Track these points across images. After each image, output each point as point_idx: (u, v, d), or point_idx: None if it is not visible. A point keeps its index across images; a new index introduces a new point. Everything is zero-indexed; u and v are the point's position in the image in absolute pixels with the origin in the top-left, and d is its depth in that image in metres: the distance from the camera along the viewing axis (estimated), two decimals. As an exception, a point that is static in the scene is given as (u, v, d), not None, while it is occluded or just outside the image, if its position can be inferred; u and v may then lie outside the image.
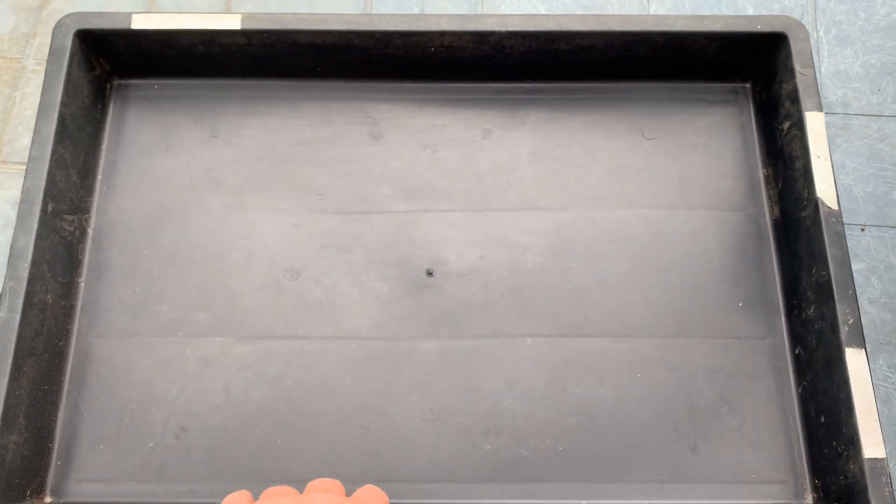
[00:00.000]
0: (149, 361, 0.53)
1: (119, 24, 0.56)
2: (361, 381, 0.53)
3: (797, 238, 0.53)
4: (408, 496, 0.50)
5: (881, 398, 0.53)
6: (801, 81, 0.55)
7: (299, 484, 0.49)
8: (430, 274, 0.55)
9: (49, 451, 0.51)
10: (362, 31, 0.56)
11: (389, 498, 0.49)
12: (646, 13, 0.64)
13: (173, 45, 0.57)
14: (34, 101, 0.61)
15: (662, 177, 0.58)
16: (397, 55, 0.58)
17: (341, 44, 0.57)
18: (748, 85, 0.60)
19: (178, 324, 0.54)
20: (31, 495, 0.49)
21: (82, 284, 0.55)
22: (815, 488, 0.50)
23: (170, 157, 0.58)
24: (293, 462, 0.51)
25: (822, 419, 0.50)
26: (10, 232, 0.57)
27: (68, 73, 0.54)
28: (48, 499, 0.50)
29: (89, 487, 0.50)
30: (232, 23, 0.56)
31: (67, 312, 0.53)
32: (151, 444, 0.51)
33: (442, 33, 0.56)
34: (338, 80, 0.60)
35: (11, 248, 0.50)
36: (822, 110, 0.54)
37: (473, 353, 0.53)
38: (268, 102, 0.60)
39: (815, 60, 0.62)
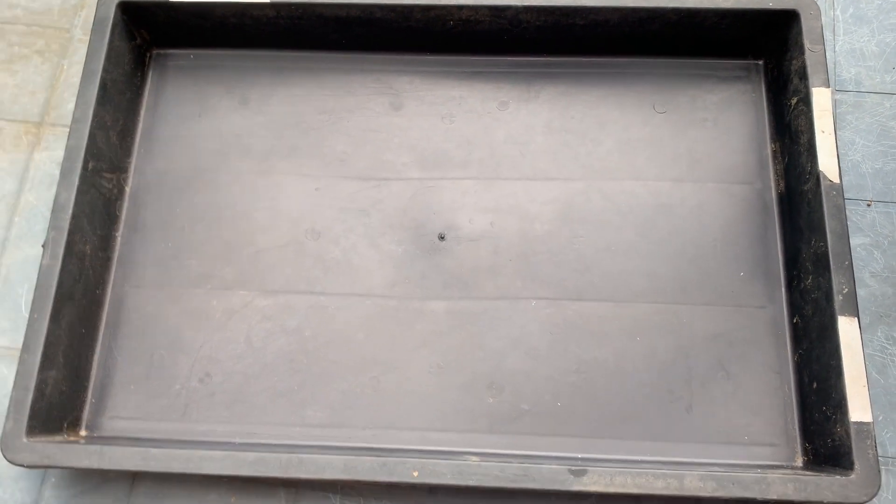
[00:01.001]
0: (178, 311, 0.57)
1: (158, -4, 0.59)
2: (374, 335, 0.56)
3: (799, 211, 0.55)
4: (413, 443, 0.53)
5: (878, 368, 0.54)
6: (810, 58, 0.56)
7: (313, 429, 0.53)
8: (442, 238, 0.58)
9: (85, 389, 0.55)
10: (384, 5, 0.58)
11: (395, 444, 0.52)
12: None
13: (208, 17, 0.61)
14: (80, 69, 0.65)
15: (671, 150, 0.60)
16: (417, 28, 0.60)
17: (364, 17, 0.59)
18: (760, 62, 0.61)
19: (206, 277, 0.58)
20: (67, 428, 0.53)
21: (119, 238, 0.59)
22: (805, 451, 0.52)
23: (203, 122, 0.62)
24: (308, 408, 0.54)
25: (815, 385, 0.51)
26: (55, 189, 0.61)
27: (110, 42, 0.58)
28: (83, 432, 0.54)
29: (120, 424, 0.55)
30: (262, -4, 0.59)
31: (104, 263, 0.57)
32: (178, 387, 0.55)
33: (460, 7, 0.58)
34: (361, 52, 0.63)
35: (54, 201, 0.54)
36: (829, 86, 0.55)
37: (481, 313, 0.56)
38: (295, 73, 0.63)
39: (830, 38, 0.63)
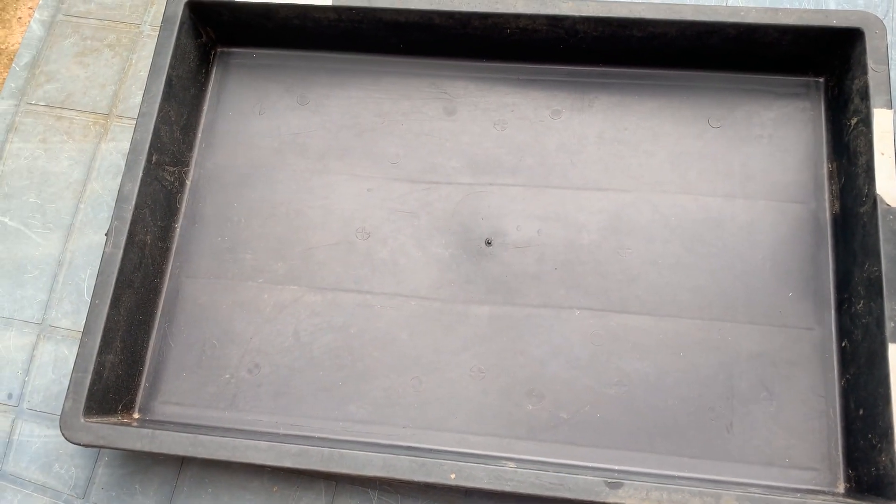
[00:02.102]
0: (230, 302, 0.59)
1: (225, -3, 0.61)
2: (417, 336, 0.57)
3: (853, 233, 0.54)
4: (451, 445, 0.54)
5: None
6: (873, 78, 0.55)
7: (354, 424, 0.54)
8: (489, 243, 0.59)
9: (139, 373, 0.57)
10: (443, 12, 0.59)
11: (434, 445, 0.53)
12: (721, 4, 0.65)
13: (271, 18, 0.62)
14: (148, 63, 0.67)
15: (725, 166, 0.59)
16: (475, 35, 0.61)
17: (423, 23, 0.60)
18: (820, 79, 0.60)
19: (259, 271, 0.59)
20: (122, 410, 0.56)
21: (178, 229, 0.61)
22: (847, 478, 0.51)
23: (262, 120, 0.64)
24: (350, 403, 0.55)
25: (861, 412, 0.50)
26: (120, 179, 0.64)
27: (178, 39, 0.60)
28: (136, 415, 0.57)
29: (171, 409, 0.57)
30: (324, -1, 0.60)
31: (163, 253, 0.60)
32: (227, 376, 0.57)
33: (518, 16, 0.59)
34: (418, 56, 0.64)
35: (119, 191, 0.56)
36: (891, 108, 0.54)
37: (523, 320, 0.57)
38: (352, 75, 0.64)
39: (894, 59, 0.61)
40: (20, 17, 1.25)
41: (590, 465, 0.52)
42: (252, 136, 0.64)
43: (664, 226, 0.58)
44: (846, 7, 0.65)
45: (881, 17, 0.57)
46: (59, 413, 0.52)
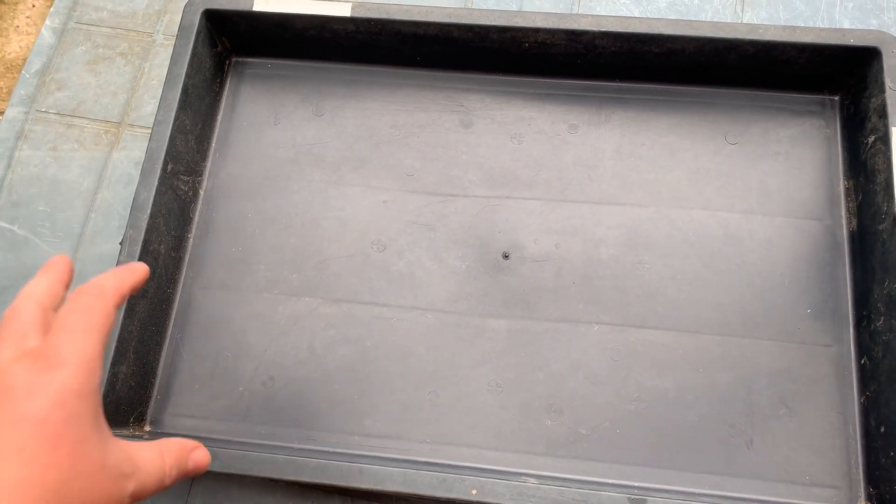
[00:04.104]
0: (244, 314, 0.58)
1: (242, 6, 0.61)
2: (434, 350, 0.56)
3: (872, 250, 0.54)
4: (470, 460, 0.53)
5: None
6: (891, 96, 0.55)
7: (370, 439, 0.53)
8: (506, 257, 0.59)
9: (151, 385, 0.56)
10: (462, 25, 0.59)
11: (452, 460, 0.52)
12: (739, 21, 0.65)
13: (288, 28, 0.62)
14: (160, 72, 0.67)
15: (742, 182, 0.59)
16: (492, 49, 0.61)
17: (441, 35, 0.60)
18: (836, 97, 0.61)
19: (273, 282, 0.59)
20: (133, 422, 0.55)
21: (191, 239, 0.60)
22: (869, 496, 0.51)
23: (277, 131, 0.64)
24: (366, 417, 0.55)
25: (882, 429, 0.50)
26: (131, 188, 0.63)
27: (194, 48, 0.60)
28: (147, 427, 0.56)
29: (183, 422, 0.56)
30: (342, 10, 0.60)
31: (177, 263, 0.59)
32: (241, 389, 0.56)
33: (537, 30, 0.59)
34: (435, 69, 0.64)
35: (134, 200, 0.55)
36: (909, 126, 0.54)
37: (542, 334, 0.56)
38: (369, 87, 0.64)
39: (909, 78, 0.62)
40: (17, 27, 1.24)
41: (610, 481, 0.52)
42: (266, 147, 0.63)
43: (682, 241, 0.58)
44: (859, 26, 0.65)
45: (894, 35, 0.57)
46: (71, 425, 0.51)
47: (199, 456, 0.38)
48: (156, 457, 0.35)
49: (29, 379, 0.30)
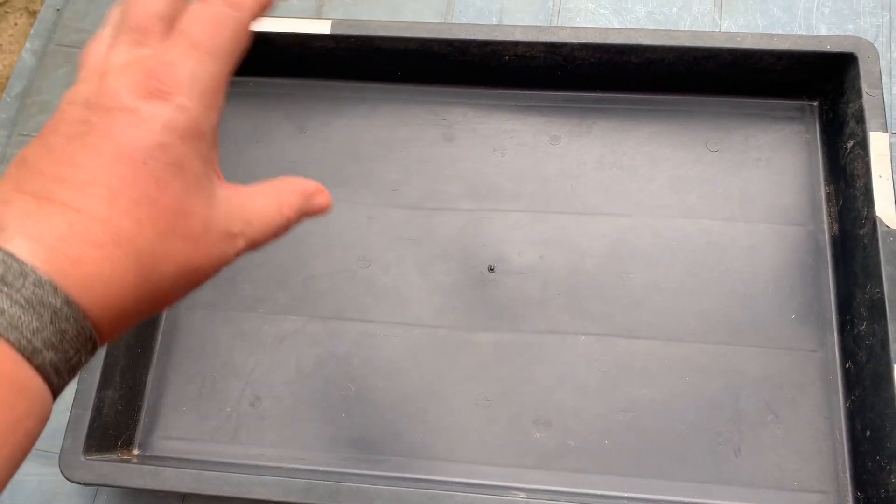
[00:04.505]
0: (230, 334, 0.58)
1: (222, 26, 0.61)
2: (421, 365, 0.56)
3: (854, 255, 0.54)
4: (460, 476, 0.53)
5: (932, 418, 0.53)
6: (868, 102, 0.56)
7: (359, 455, 0.53)
8: (491, 270, 0.59)
9: (139, 408, 0.56)
10: (442, 40, 0.59)
11: (442, 476, 0.52)
12: (717, 29, 0.65)
13: (269, 46, 0.62)
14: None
15: (723, 189, 0.60)
16: (473, 62, 0.61)
17: (422, 50, 0.61)
18: (815, 103, 0.61)
19: (259, 301, 0.59)
20: (121, 446, 0.54)
21: (176, 260, 0.60)
22: (856, 500, 0.51)
23: (260, 148, 0.64)
24: (354, 435, 0.55)
25: (868, 433, 0.50)
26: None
27: (175, 69, 0.60)
28: (136, 451, 0.55)
29: (172, 444, 0.56)
30: (322, 28, 0.60)
31: (162, 285, 0.59)
32: (228, 410, 0.56)
33: (516, 43, 0.59)
34: (416, 84, 0.64)
35: (117, 223, 0.55)
36: (886, 131, 0.54)
37: (528, 347, 0.56)
38: (351, 103, 0.64)
39: (887, 82, 0.62)
40: (0, 45, 1.24)
41: (600, 492, 0.52)
42: (250, 165, 0.63)
43: (666, 250, 0.58)
44: (836, 31, 0.66)
45: (872, 41, 0.58)
46: (58, 451, 0.51)
47: (321, 200, 0.32)
48: (272, 209, 0.30)
49: (134, 104, 0.25)
